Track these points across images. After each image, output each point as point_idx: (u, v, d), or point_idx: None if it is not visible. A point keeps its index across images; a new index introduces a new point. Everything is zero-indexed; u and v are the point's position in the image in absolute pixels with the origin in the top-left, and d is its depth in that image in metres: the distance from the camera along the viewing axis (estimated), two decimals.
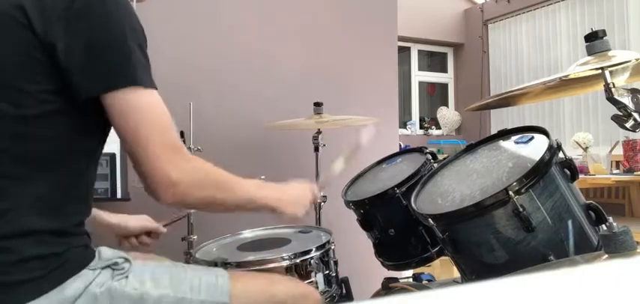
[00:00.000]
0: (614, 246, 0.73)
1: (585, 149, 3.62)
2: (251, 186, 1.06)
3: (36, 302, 0.84)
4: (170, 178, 0.88)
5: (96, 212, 1.20)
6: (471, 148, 1.38)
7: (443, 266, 2.64)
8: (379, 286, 1.61)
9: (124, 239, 1.33)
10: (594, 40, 1.09)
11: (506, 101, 1.31)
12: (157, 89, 0.94)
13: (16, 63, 0.87)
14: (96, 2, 0.88)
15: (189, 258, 1.75)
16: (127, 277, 0.93)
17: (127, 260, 0.96)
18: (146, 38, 0.97)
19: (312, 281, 1.32)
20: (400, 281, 1.62)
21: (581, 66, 1.08)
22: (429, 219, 1.16)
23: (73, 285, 0.88)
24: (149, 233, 1.37)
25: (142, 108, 0.89)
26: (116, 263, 0.94)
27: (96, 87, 0.88)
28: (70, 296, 0.87)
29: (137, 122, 0.88)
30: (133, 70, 0.89)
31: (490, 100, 1.39)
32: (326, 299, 1.37)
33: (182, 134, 1.79)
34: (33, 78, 0.86)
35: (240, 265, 1.28)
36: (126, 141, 0.90)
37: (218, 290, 0.99)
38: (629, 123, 1.00)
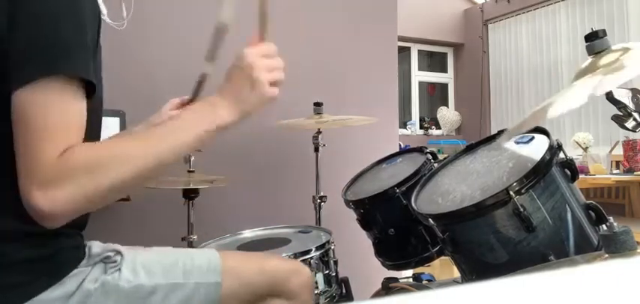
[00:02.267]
0: (615, 246, 0.73)
1: (585, 149, 3.62)
2: (153, 140, 0.85)
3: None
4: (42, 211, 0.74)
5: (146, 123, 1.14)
6: (471, 148, 1.38)
7: (443, 266, 2.64)
8: (379, 286, 1.61)
9: None
10: (594, 39, 1.09)
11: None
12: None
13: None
14: None
15: None
16: (119, 270, 0.93)
17: (118, 252, 0.95)
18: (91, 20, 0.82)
19: None
20: (400, 281, 1.62)
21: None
22: (429, 219, 1.16)
23: (65, 286, 0.87)
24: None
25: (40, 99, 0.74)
26: (108, 257, 0.94)
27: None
28: (63, 295, 0.86)
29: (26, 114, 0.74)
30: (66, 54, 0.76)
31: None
32: (326, 299, 1.37)
33: None
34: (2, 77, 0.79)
35: None
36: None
37: (210, 270, 1.00)
38: (629, 123, 1.00)
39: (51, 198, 0.73)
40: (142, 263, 0.96)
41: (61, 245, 0.89)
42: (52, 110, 0.75)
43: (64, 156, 0.75)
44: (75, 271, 0.89)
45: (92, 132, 0.85)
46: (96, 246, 0.97)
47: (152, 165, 0.82)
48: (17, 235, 0.85)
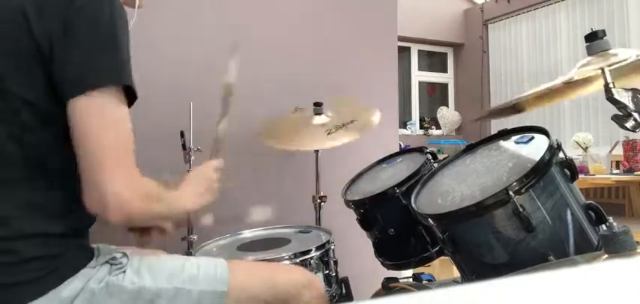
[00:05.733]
0: (614, 246, 0.73)
1: (585, 149, 3.62)
2: (173, 196, 1.04)
3: (35, 302, 0.84)
4: (124, 198, 0.85)
5: None
6: (470, 148, 1.38)
7: (443, 266, 2.64)
8: (379, 286, 1.61)
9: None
10: (594, 40, 1.09)
11: (510, 110, 1.30)
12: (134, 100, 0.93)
13: (14, 67, 0.87)
14: (92, 3, 0.87)
15: None
16: (124, 271, 0.93)
17: (124, 255, 0.96)
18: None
19: None
20: (400, 281, 1.62)
21: (583, 67, 1.08)
22: (429, 219, 1.16)
23: (72, 285, 0.88)
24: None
25: (113, 117, 0.88)
26: (114, 258, 0.95)
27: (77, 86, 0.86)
28: (69, 295, 0.87)
29: (100, 130, 0.86)
30: (123, 69, 0.89)
31: (493, 109, 1.36)
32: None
33: (182, 134, 1.79)
34: (30, 83, 0.86)
35: None
36: (81, 146, 0.86)
37: (217, 279, 0.99)
38: (629, 123, 1.00)
39: (135, 199, 0.86)
40: (148, 267, 0.96)
41: (70, 245, 0.91)
42: (129, 121, 0.90)
43: (146, 179, 0.92)
44: (82, 271, 0.90)
45: None
46: (104, 248, 0.98)
47: (171, 216, 1.11)
48: (28, 234, 0.86)
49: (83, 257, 0.93)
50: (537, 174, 1.05)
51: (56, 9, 0.86)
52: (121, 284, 0.91)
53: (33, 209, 0.87)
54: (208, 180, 1.13)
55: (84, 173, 0.85)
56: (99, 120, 0.85)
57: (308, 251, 1.34)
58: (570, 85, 1.16)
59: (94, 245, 0.98)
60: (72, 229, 0.92)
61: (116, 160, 0.85)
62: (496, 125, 5.82)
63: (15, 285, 0.84)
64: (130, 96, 0.92)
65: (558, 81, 1.13)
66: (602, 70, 1.02)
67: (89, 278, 0.90)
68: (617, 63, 1.04)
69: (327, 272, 1.40)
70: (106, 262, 0.94)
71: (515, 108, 1.29)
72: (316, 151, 1.97)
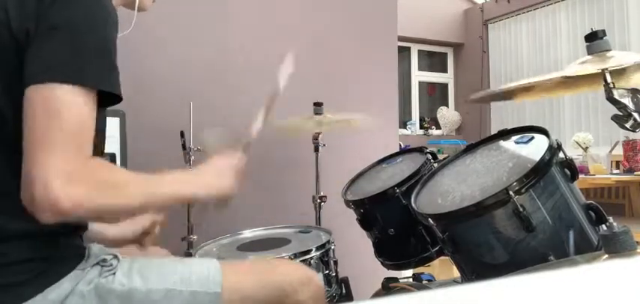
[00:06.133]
0: (614, 246, 0.73)
1: (585, 149, 3.62)
2: (150, 182, 0.92)
3: None
4: (53, 190, 0.76)
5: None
6: (470, 148, 1.38)
7: (443, 266, 2.64)
8: (379, 286, 1.61)
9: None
10: (594, 40, 1.09)
11: (508, 94, 1.31)
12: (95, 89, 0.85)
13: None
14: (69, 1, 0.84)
15: None
16: (114, 274, 0.92)
17: (115, 257, 0.95)
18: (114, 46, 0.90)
19: None
20: (400, 281, 1.62)
21: (581, 64, 1.08)
22: (429, 219, 1.16)
23: (62, 286, 0.87)
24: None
25: (61, 106, 0.80)
26: (104, 260, 0.93)
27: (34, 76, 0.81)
28: (59, 297, 0.86)
29: (44, 119, 0.79)
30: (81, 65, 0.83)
31: (492, 93, 1.37)
32: (326, 299, 1.37)
33: (182, 134, 1.79)
34: (12, 83, 0.84)
35: None
36: (27, 137, 0.80)
37: (209, 280, 0.97)
38: (629, 123, 1.00)
39: (71, 193, 0.77)
40: (138, 269, 0.95)
41: (60, 246, 0.90)
42: (86, 115, 0.82)
43: (91, 163, 0.83)
44: (72, 273, 0.89)
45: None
46: (95, 249, 0.97)
47: (143, 206, 0.97)
48: (17, 235, 0.85)
49: (73, 258, 0.92)
50: (537, 174, 1.05)
51: (35, 4, 0.84)
52: (110, 287, 0.90)
53: (21, 209, 0.82)
54: (228, 168, 1.05)
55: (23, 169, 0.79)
56: (42, 109, 0.79)
57: (308, 251, 1.34)
58: (566, 81, 1.16)
59: (85, 246, 0.97)
60: (62, 230, 0.89)
61: (51, 147, 0.77)
62: (496, 125, 5.83)
63: (4, 287, 0.83)
64: (109, 97, 0.88)
65: (554, 74, 1.13)
66: (603, 71, 1.02)
67: (79, 280, 0.89)
68: (615, 66, 1.04)
69: (327, 272, 1.40)
70: (97, 263, 0.92)
71: (504, 95, 1.29)
72: (316, 151, 1.97)
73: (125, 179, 0.91)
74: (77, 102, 0.81)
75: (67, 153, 0.78)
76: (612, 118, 1.03)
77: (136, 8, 1.13)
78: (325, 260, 1.40)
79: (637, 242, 0.74)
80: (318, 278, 1.16)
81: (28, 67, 0.82)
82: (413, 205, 1.23)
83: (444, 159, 1.44)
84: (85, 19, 0.85)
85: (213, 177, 1.03)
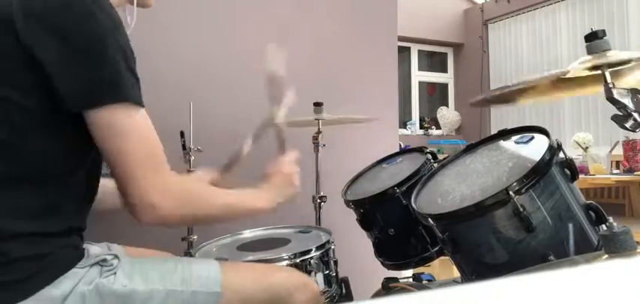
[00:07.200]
0: (614, 246, 0.73)
1: (585, 149, 3.62)
2: (230, 196, 1.06)
3: (25, 302, 0.84)
4: (152, 203, 0.89)
5: None
6: (471, 148, 1.38)
7: (443, 266, 2.64)
8: (379, 286, 1.61)
9: None
10: (594, 39, 1.09)
11: (507, 97, 1.31)
12: (144, 107, 0.93)
13: (1, 70, 0.85)
14: (75, 1, 0.85)
15: None
16: (115, 274, 0.92)
17: (115, 256, 0.95)
18: (133, 54, 0.93)
19: None
20: (400, 281, 1.62)
21: (582, 64, 1.07)
22: (429, 219, 1.16)
23: (62, 285, 0.87)
24: None
25: (130, 129, 0.89)
26: (105, 260, 0.93)
27: (80, 101, 0.86)
28: (58, 295, 0.86)
29: (123, 144, 0.88)
30: (122, 84, 0.87)
31: (491, 95, 1.37)
32: (326, 299, 1.37)
33: (182, 134, 1.78)
34: (16, 87, 0.84)
35: None
36: (109, 160, 0.90)
37: (210, 280, 0.98)
38: (629, 123, 1.00)
39: (165, 206, 0.90)
40: (139, 269, 0.95)
41: (59, 245, 0.90)
42: (150, 128, 0.94)
43: (183, 178, 0.99)
44: (71, 271, 0.89)
45: None
46: (95, 248, 0.97)
47: (222, 216, 1.11)
48: (16, 234, 0.85)
49: (74, 257, 0.92)
50: (537, 174, 1.05)
51: (52, 15, 0.84)
52: (111, 287, 0.90)
53: (20, 209, 0.86)
54: (287, 175, 1.22)
55: (119, 185, 0.90)
56: (122, 136, 0.88)
57: (308, 251, 1.34)
58: (565, 81, 1.16)
59: (84, 245, 0.97)
60: (62, 229, 0.91)
61: (145, 171, 0.89)
62: (496, 125, 5.83)
63: (4, 284, 0.83)
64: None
65: (553, 72, 1.12)
66: (603, 71, 1.02)
67: (79, 280, 0.89)
68: (616, 65, 1.04)
69: (327, 272, 1.40)
70: (97, 263, 0.93)
71: (504, 100, 1.28)
72: (316, 151, 1.97)
73: (209, 191, 1.07)
74: (137, 112, 0.90)
75: (157, 168, 0.91)
76: (612, 118, 1.03)
77: (135, 3, 1.13)
78: (325, 260, 1.40)
79: (637, 242, 0.73)
80: (315, 283, 1.18)
81: (68, 88, 0.85)
82: (413, 205, 1.23)
83: (444, 159, 1.44)
84: (105, 32, 0.88)
85: (280, 188, 1.20)
